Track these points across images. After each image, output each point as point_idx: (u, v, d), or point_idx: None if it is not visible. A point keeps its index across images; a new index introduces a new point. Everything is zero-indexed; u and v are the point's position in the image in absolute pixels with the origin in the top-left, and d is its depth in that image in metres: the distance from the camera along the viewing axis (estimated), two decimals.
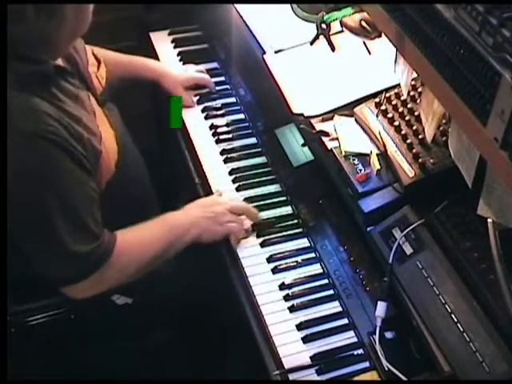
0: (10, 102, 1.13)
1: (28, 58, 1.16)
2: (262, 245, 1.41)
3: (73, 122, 1.20)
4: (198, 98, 1.76)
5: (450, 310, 1.11)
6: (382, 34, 1.17)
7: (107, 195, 1.32)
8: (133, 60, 1.73)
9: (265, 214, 1.47)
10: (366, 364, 1.20)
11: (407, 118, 1.35)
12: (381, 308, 1.21)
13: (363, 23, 1.36)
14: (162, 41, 1.95)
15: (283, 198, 1.51)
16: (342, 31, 1.45)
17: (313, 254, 1.39)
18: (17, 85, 1.14)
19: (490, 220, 1.01)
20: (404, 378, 1.13)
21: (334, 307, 1.30)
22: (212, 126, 1.68)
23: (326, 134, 1.43)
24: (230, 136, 1.66)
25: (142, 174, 1.55)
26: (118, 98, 1.52)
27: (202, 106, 1.75)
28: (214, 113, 1.72)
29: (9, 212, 1.15)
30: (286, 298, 1.30)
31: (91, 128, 1.27)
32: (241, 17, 1.77)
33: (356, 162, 1.33)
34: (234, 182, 1.55)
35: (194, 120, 1.71)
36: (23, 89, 1.14)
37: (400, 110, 1.38)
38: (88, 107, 1.31)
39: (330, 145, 1.40)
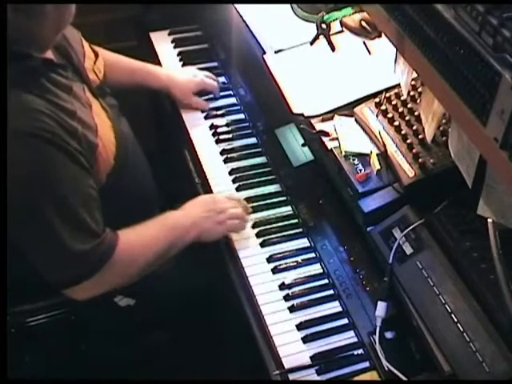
0: None
1: (14, 54, 1.15)
2: (262, 245, 1.41)
3: (66, 116, 1.19)
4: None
5: (450, 310, 1.11)
6: (382, 34, 1.17)
7: (108, 189, 1.31)
8: (140, 67, 1.71)
9: (265, 214, 1.47)
10: (366, 364, 1.20)
11: (407, 118, 1.35)
12: (381, 308, 1.21)
13: (363, 23, 1.36)
14: (161, 41, 1.95)
15: (283, 198, 1.51)
16: (342, 31, 1.45)
17: (313, 254, 1.39)
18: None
19: (489, 220, 1.01)
20: (404, 378, 1.13)
21: (334, 307, 1.30)
22: (212, 126, 1.68)
23: (326, 134, 1.43)
24: (230, 136, 1.66)
25: (144, 172, 1.54)
26: (117, 99, 1.52)
27: None
28: (214, 113, 1.72)
29: (8, 215, 1.14)
30: (286, 297, 1.30)
31: (86, 121, 1.25)
32: (241, 17, 1.77)
33: (356, 161, 1.33)
34: (233, 181, 1.55)
35: (194, 120, 1.71)
36: (12, 85, 1.13)
37: (400, 109, 1.38)
38: (83, 100, 1.30)
39: (330, 145, 1.40)
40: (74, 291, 1.27)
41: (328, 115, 1.47)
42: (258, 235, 1.42)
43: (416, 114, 1.34)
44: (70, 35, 1.37)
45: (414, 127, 1.33)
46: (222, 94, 1.78)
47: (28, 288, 1.38)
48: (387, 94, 1.42)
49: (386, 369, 1.15)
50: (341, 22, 1.40)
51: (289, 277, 1.34)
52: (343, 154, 1.35)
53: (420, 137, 1.30)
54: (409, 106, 1.38)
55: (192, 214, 1.40)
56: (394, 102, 1.40)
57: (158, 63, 1.86)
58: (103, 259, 1.25)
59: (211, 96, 1.76)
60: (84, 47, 1.44)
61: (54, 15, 1.17)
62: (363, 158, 1.34)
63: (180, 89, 1.71)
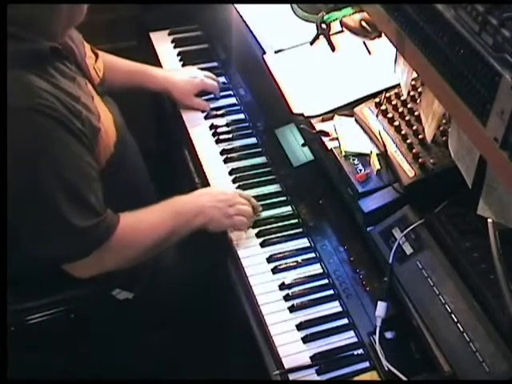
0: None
1: (24, 38, 1.17)
2: (262, 245, 1.40)
3: (70, 99, 1.20)
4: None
5: (450, 310, 1.11)
6: (382, 34, 1.17)
7: (105, 177, 1.31)
8: (140, 69, 1.71)
9: (265, 214, 1.47)
10: (366, 364, 1.20)
11: (407, 118, 1.35)
12: (381, 308, 1.21)
13: (363, 23, 1.36)
14: (161, 41, 1.95)
15: (283, 198, 1.51)
16: (342, 31, 1.45)
17: (313, 254, 1.39)
18: (12, 62, 1.14)
19: (489, 220, 1.01)
20: (404, 378, 1.13)
21: (334, 307, 1.30)
22: (212, 126, 1.68)
23: (326, 134, 1.43)
24: (230, 136, 1.66)
25: (141, 170, 1.55)
26: (117, 99, 1.52)
27: None
28: (214, 113, 1.72)
29: (8, 193, 1.14)
30: (286, 297, 1.30)
31: (89, 107, 1.26)
32: (241, 17, 1.77)
33: (356, 161, 1.33)
34: (234, 181, 1.55)
35: (194, 120, 1.71)
36: (19, 66, 1.14)
37: (400, 109, 1.38)
38: (85, 90, 1.31)
39: (330, 145, 1.40)
40: (72, 267, 1.28)
41: (328, 115, 1.47)
42: (258, 235, 1.42)
43: (416, 114, 1.34)
44: (74, 35, 1.38)
45: (414, 127, 1.33)
46: (222, 94, 1.78)
47: (28, 286, 1.38)
48: (387, 94, 1.42)
49: (386, 369, 1.15)
50: (341, 22, 1.39)
51: (289, 277, 1.34)
52: (343, 154, 1.35)
53: (420, 137, 1.30)
54: (409, 105, 1.38)
55: (201, 201, 1.40)
56: (394, 102, 1.40)
57: (158, 63, 1.86)
58: (102, 238, 1.25)
59: (211, 96, 1.76)
60: (85, 47, 1.45)
61: (67, 11, 1.20)
62: (363, 157, 1.34)
63: (179, 91, 1.71)
